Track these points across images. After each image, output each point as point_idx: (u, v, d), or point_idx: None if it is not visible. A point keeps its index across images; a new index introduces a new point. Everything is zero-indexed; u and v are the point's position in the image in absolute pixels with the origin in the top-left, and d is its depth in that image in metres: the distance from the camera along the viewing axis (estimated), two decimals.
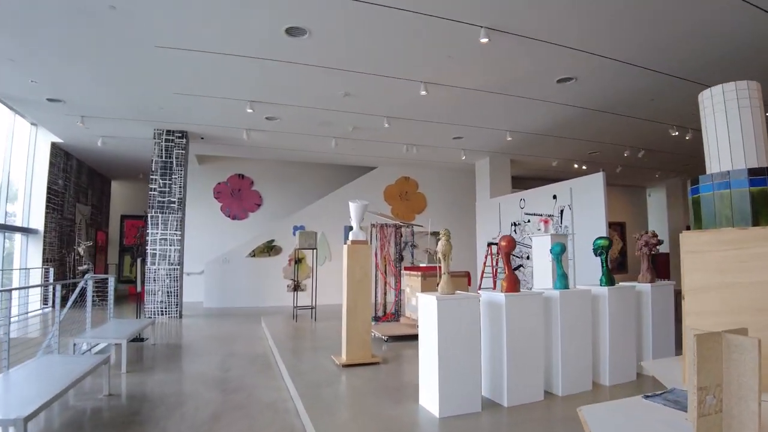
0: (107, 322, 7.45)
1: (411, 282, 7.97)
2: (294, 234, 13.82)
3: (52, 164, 12.57)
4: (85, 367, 4.31)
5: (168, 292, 10.50)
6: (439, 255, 4.08)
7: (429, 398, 3.97)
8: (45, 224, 12.25)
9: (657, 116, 10.40)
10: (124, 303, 13.87)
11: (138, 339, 7.73)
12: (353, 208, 5.84)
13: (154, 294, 10.45)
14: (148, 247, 10.54)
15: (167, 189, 10.75)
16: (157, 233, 10.60)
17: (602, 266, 5.01)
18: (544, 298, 4.50)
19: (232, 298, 13.14)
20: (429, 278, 7.62)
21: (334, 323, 9.12)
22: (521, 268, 12.47)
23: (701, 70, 7.74)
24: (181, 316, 10.74)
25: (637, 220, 18.70)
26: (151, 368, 5.92)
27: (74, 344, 5.95)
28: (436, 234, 15.91)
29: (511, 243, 4.34)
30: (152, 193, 10.70)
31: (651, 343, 5.19)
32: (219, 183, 15.06)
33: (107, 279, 7.86)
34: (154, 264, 10.51)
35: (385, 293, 9.07)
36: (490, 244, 12.12)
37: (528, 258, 12.22)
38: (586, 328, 4.66)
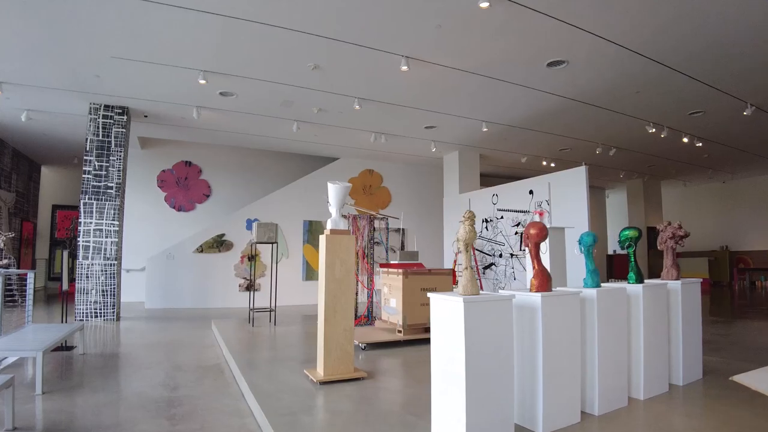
0: (24, 327, 6.17)
1: (389, 281, 7.07)
2: (248, 228, 12.65)
3: None
4: None
5: (103, 291, 9.17)
6: (460, 244, 3.18)
7: (449, 429, 3.07)
8: None
9: (637, 111, 9.96)
10: (54, 303, 12.32)
11: (63, 347, 6.48)
12: (333, 190, 4.90)
13: (87, 293, 9.10)
14: (80, 239, 9.17)
15: (104, 173, 9.41)
16: (91, 223, 9.24)
17: (630, 260, 4.29)
18: (581, 298, 3.70)
19: (178, 298, 11.85)
20: (411, 276, 6.74)
21: (297, 328, 8.11)
22: (492, 267, 11.83)
23: (692, 58, 7.28)
24: (118, 318, 9.42)
25: (595, 221, 18.49)
26: (77, 387, 4.75)
27: None
28: (398, 231, 15.23)
29: (543, 231, 3.52)
30: (86, 176, 9.33)
31: (681, 347, 4.51)
32: (163, 170, 13.67)
33: (29, 275, 6.55)
34: (87, 258, 9.16)
35: (356, 293, 8.12)
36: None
37: (500, 256, 11.60)
38: (621, 334, 3.91)
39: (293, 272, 13.06)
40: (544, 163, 14.68)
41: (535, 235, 3.52)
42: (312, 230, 13.38)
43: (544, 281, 3.47)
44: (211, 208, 13.97)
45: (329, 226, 4.90)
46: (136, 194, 13.22)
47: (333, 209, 4.93)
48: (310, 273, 13.25)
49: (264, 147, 13.40)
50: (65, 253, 6.80)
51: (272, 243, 8.42)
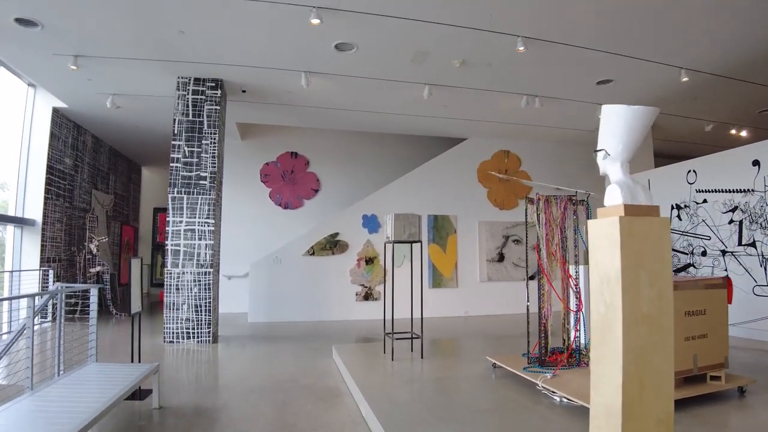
0: (85, 364, 4.27)
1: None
2: (365, 225, 10.47)
3: (54, 137, 9.68)
4: None
5: (197, 306, 7.32)
6: None
7: None
8: (44, 213, 9.36)
9: None
10: (156, 312, 10.90)
11: (135, 396, 4.51)
12: (617, 116, 2.47)
13: (177, 308, 7.30)
14: (168, 242, 7.40)
15: (195, 159, 7.59)
16: (180, 222, 7.44)
17: None
18: None
19: (285, 309, 9.92)
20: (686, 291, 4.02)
21: (467, 370, 5.65)
22: (690, 269, 8.74)
23: None
24: (215, 340, 7.55)
25: None
26: None
27: None
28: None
29: None
30: (174, 165, 7.55)
31: None
32: (267, 163, 11.89)
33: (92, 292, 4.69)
34: (177, 265, 7.36)
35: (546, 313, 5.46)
36: None
37: (704, 254, 8.50)
38: None
39: (416, 278, 10.70)
40: (733, 131, 11.25)
41: None
42: (438, 227, 10.96)
43: None
44: (320, 204, 12.00)
45: (613, 197, 2.41)
46: (237, 190, 11.55)
47: (614, 163, 2.44)
48: (437, 279, 10.84)
49: (379, 128, 11.19)
50: (133, 262, 4.86)
51: (413, 242, 6.07)
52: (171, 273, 7.33)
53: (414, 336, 6.08)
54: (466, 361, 5.80)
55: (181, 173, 7.51)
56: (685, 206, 8.92)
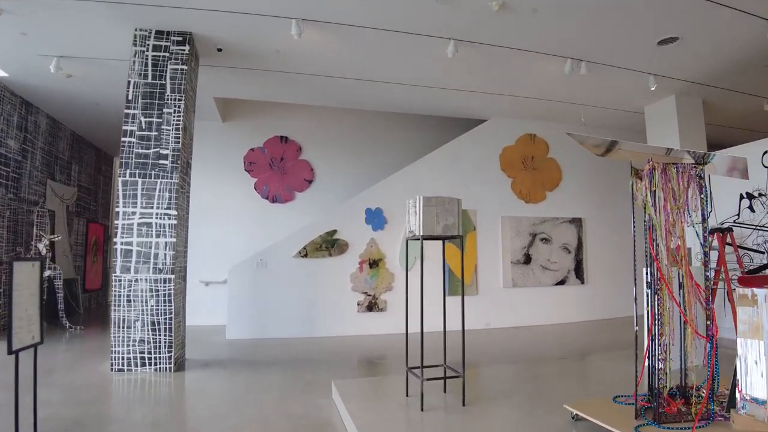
0: None
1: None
2: (368, 221, 8.76)
3: None
4: None
5: (154, 323, 5.60)
6: None
7: None
8: None
9: None
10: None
11: None
12: None
13: (128, 326, 5.57)
14: (117, 239, 5.67)
15: (154, 133, 5.87)
16: (133, 214, 5.72)
17: None
18: None
19: (271, 323, 8.21)
20: None
21: (532, 421, 3.95)
22: None
23: None
24: (179, 367, 5.83)
25: None
26: None
27: None
28: (572, 222, 10.59)
29: None
30: (126, 140, 5.83)
31: None
32: (252, 149, 10.17)
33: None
34: (127, 270, 5.64)
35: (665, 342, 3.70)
36: (716, 231, 6.70)
37: None
38: None
39: (430, 284, 9.01)
40: None
41: None
42: None
43: None
44: (314, 197, 10.29)
45: None
46: (217, 181, 9.84)
47: None
48: (454, 285, 9.14)
49: (384, 106, 9.53)
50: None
51: (451, 238, 4.40)
52: (120, 280, 5.60)
53: (451, 373, 4.37)
54: (528, 408, 4.10)
55: (135, 150, 5.79)
56: (760, 195, 7.32)
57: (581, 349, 7.37)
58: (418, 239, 4.20)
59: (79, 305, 10.82)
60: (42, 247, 8.47)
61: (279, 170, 10.22)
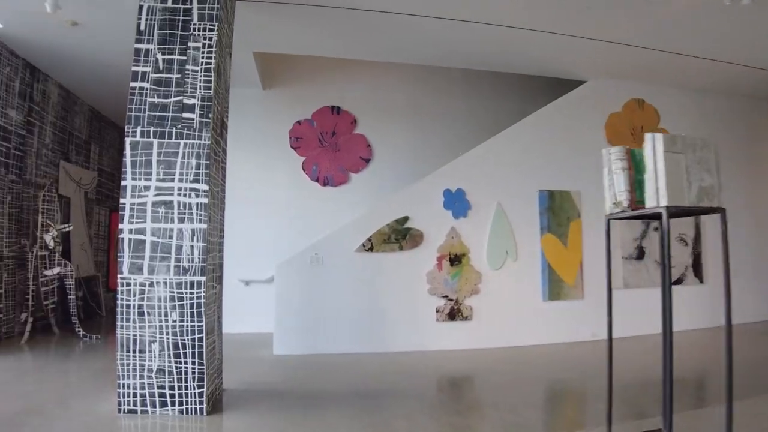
0: None
1: None
2: (448, 206, 6.91)
3: None
4: None
5: (177, 345, 3.89)
6: None
7: None
8: None
9: None
10: None
11: None
12: None
13: (141, 350, 3.88)
14: (123, 225, 3.99)
15: (175, 75, 4.16)
16: (146, 189, 4.03)
17: None
18: None
19: (329, 334, 6.46)
20: None
21: None
22: None
23: None
24: (213, 407, 4.13)
25: None
26: None
27: None
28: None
29: None
30: (137, 86, 4.12)
31: None
32: (299, 122, 8.46)
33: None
34: (139, 270, 3.94)
35: None
36: None
37: None
38: None
39: (525, 286, 7.15)
40: None
41: None
42: (554, 208, 7.37)
43: None
44: (373, 178, 8.51)
45: None
46: (257, 160, 8.19)
47: None
48: (555, 287, 7.24)
49: (459, 61, 7.69)
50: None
51: (711, 212, 2.55)
52: (129, 284, 3.91)
53: None
54: None
55: (147, 100, 4.09)
56: None
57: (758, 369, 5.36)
58: (645, 217, 2.32)
59: (101, 307, 9.34)
60: (49, 239, 6.96)
61: (330, 147, 8.47)
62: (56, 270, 7.16)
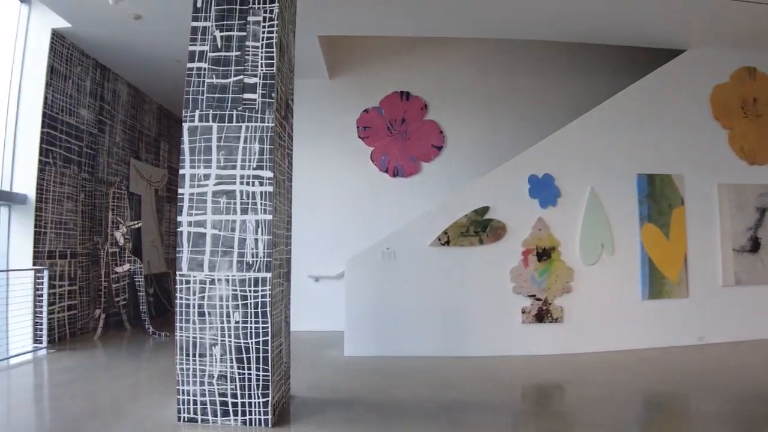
0: None
1: None
2: (535, 194, 6.24)
3: (58, 75, 6.53)
4: None
5: (241, 349, 3.52)
6: None
7: None
8: (40, 185, 6.18)
9: None
10: None
11: None
12: None
13: (202, 354, 3.54)
14: (182, 217, 3.66)
15: (235, 53, 3.78)
16: (206, 178, 3.68)
17: None
18: None
19: (403, 335, 5.98)
20: None
21: None
22: None
23: None
24: (279, 418, 3.73)
25: None
26: None
27: None
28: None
29: None
30: (194, 66, 3.78)
31: None
32: (366, 110, 8.03)
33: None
34: (198, 267, 3.60)
35: None
36: None
37: None
38: None
39: (622, 283, 6.35)
40: None
41: None
42: (655, 195, 6.51)
43: None
44: (446, 167, 7.97)
45: None
46: (323, 151, 7.85)
47: None
48: (657, 284, 6.39)
49: (537, 32, 6.99)
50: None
51: None
52: (188, 281, 3.59)
53: None
54: None
55: (206, 81, 3.74)
56: None
57: None
58: None
59: (173, 304, 9.33)
60: (119, 235, 6.90)
61: (400, 135, 7.99)
62: (126, 267, 7.11)
